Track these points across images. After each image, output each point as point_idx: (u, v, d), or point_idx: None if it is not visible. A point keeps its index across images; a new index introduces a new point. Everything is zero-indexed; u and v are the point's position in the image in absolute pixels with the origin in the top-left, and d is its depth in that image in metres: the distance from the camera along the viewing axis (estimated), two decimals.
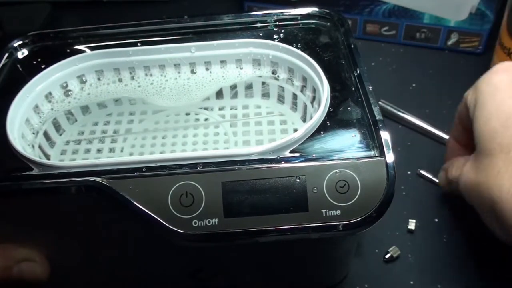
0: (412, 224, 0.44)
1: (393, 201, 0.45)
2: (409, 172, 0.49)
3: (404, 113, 0.54)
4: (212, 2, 0.73)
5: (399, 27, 0.62)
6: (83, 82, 0.41)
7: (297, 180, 0.30)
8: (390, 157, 0.31)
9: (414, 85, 0.59)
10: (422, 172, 0.49)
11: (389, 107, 0.55)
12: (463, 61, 0.61)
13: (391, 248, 0.43)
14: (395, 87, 0.58)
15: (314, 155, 0.31)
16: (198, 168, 0.31)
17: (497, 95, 0.35)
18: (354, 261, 0.42)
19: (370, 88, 0.35)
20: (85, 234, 0.35)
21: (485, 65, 0.55)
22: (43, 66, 0.39)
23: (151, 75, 0.41)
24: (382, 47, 0.64)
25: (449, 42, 0.62)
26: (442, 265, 0.42)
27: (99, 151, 0.39)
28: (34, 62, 0.40)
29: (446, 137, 0.50)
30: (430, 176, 0.48)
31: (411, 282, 0.41)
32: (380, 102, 0.55)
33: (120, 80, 0.41)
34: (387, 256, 0.43)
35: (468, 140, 0.41)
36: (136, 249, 0.36)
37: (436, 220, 0.45)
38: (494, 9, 0.57)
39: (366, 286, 0.41)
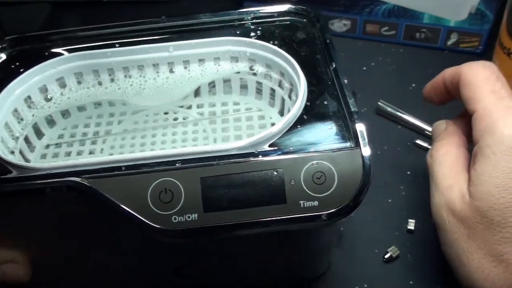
0: (411, 224, 0.44)
1: (393, 201, 0.46)
2: (408, 172, 0.49)
3: (404, 113, 0.54)
4: (212, 2, 0.72)
5: (399, 27, 0.62)
6: (62, 85, 0.41)
7: (275, 173, 0.31)
8: (365, 147, 0.31)
9: (414, 85, 0.58)
10: (419, 142, 0.51)
11: (389, 107, 0.55)
12: (463, 61, 0.58)
13: (390, 248, 0.43)
14: (395, 87, 0.58)
15: (291, 148, 0.32)
16: (177, 165, 0.31)
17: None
18: (354, 261, 0.43)
19: (346, 81, 0.35)
20: (67, 235, 0.35)
21: None
22: (21, 70, 0.39)
23: (130, 76, 0.42)
24: (382, 47, 0.64)
25: (449, 42, 0.61)
26: (442, 265, 0.41)
27: (79, 153, 0.40)
28: (13, 66, 0.40)
29: None
30: (426, 145, 0.50)
31: (411, 282, 0.41)
32: (380, 102, 0.55)
33: (99, 83, 0.42)
34: (386, 256, 0.43)
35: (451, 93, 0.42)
36: (118, 248, 0.36)
37: None
38: (494, 9, 0.57)
39: (365, 286, 0.41)
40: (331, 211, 0.30)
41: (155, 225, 0.30)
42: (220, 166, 0.31)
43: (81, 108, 0.42)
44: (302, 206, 0.30)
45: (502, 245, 0.33)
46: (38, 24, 0.68)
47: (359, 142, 0.32)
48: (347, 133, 0.33)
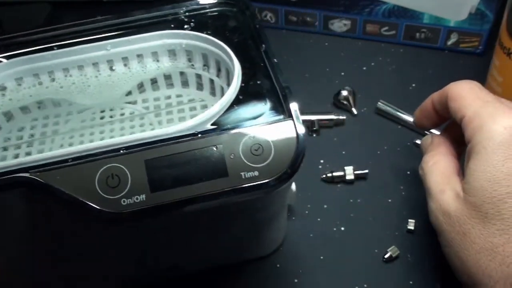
0: (411, 224, 0.45)
1: (393, 201, 0.47)
2: (408, 172, 0.50)
3: (404, 113, 0.54)
4: None
5: (399, 27, 0.62)
6: (2, 89, 0.42)
7: (215, 149, 0.32)
8: (297, 117, 0.34)
9: (414, 85, 0.59)
10: (419, 142, 0.50)
11: (389, 107, 0.55)
12: (463, 61, 0.61)
13: (390, 248, 0.44)
14: (395, 87, 0.59)
15: (228, 126, 0.34)
16: (121, 151, 0.33)
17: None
18: (354, 261, 0.44)
19: (276, 60, 0.38)
20: (25, 233, 0.36)
21: (485, 65, 0.55)
22: None
23: (70, 75, 0.43)
24: (382, 47, 0.64)
25: (449, 42, 0.61)
26: (441, 265, 0.42)
27: (28, 154, 0.40)
28: None
29: None
30: None
31: (411, 282, 0.42)
32: (380, 102, 0.56)
33: (40, 84, 0.43)
34: (386, 256, 0.43)
35: (440, 114, 0.43)
36: (75, 242, 0.37)
37: None
38: (494, 9, 0.57)
39: (365, 286, 0.42)
40: (271, 179, 0.32)
41: (106, 210, 0.31)
42: (162, 148, 0.33)
43: (25, 110, 0.43)
44: (243, 177, 0.32)
45: (496, 237, 0.33)
46: (38, 24, 0.68)
47: (291, 114, 0.34)
48: (280, 107, 0.35)
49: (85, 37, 0.42)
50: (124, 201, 0.32)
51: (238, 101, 0.36)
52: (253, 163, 0.32)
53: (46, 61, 0.42)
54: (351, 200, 0.48)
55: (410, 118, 0.54)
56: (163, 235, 0.38)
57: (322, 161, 0.52)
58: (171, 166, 0.32)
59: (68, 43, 0.42)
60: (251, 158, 0.32)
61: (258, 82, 0.37)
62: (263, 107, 0.35)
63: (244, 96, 0.36)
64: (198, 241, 0.40)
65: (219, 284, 0.43)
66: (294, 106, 0.34)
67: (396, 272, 0.43)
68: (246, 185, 0.32)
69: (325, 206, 0.48)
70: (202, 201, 0.32)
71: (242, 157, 0.32)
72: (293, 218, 0.47)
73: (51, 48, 0.42)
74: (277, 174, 0.32)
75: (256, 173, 0.32)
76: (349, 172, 0.49)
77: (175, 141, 0.33)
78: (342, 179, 0.50)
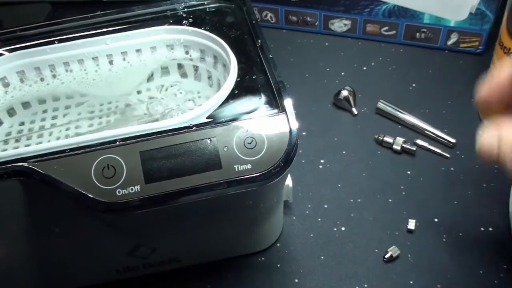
0: (412, 224, 0.45)
1: (393, 201, 0.48)
2: (409, 172, 0.50)
3: (404, 113, 0.55)
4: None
5: (399, 27, 0.62)
6: (6, 85, 0.43)
7: (209, 141, 0.33)
8: (290, 112, 0.34)
9: (414, 85, 0.59)
10: (419, 142, 0.52)
11: (389, 107, 0.55)
12: (463, 61, 0.61)
13: (390, 248, 0.44)
14: (395, 87, 0.59)
15: (223, 119, 0.34)
16: (117, 142, 0.33)
17: None
18: (354, 261, 0.44)
19: (271, 56, 0.38)
20: (22, 223, 0.36)
21: (485, 65, 0.55)
22: None
23: (71, 70, 0.43)
24: (382, 47, 0.64)
25: (449, 42, 0.62)
26: (442, 265, 0.42)
27: (27, 147, 0.41)
28: None
29: (446, 137, 0.52)
30: (426, 145, 0.52)
31: (411, 282, 0.42)
32: (380, 102, 0.56)
33: (42, 80, 0.43)
34: (386, 256, 0.43)
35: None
36: (72, 234, 0.38)
37: (436, 220, 0.46)
38: (494, 9, 0.57)
39: (365, 286, 0.42)
40: (264, 172, 0.33)
41: (101, 200, 0.32)
42: (157, 140, 0.33)
43: (25, 105, 0.44)
44: (236, 169, 0.33)
45: None
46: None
47: (284, 108, 0.34)
48: (274, 101, 0.35)
49: (85, 32, 0.43)
50: (119, 192, 0.32)
51: (233, 96, 0.36)
52: (246, 156, 0.33)
53: (46, 54, 0.42)
54: (351, 200, 0.48)
55: (410, 118, 0.54)
56: (157, 226, 0.39)
57: (322, 161, 0.52)
58: (165, 158, 0.33)
59: (69, 37, 0.43)
60: (244, 151, 0.33)
61: (254, 77, 0.38)
62: (258, 102, 0.36)
63: (240, 91, 0.37)
64: (193, 233, 0.40)
65: (219, 284, 0.43)
66: (288, 102, 0.35)
67: (396, 272, 0.43)
68: (239, 177, 0.33)
69: (325, 206, 0.48)
70: (196, 193, 0.33)
71: (236, 150, 0.33)
72: (293, 218, 0.47)
73: (52, 42, 0.43)
74: (270, 168, 0.33)
75: (249, 166, 0.33)
76: (398, 143, 0.51)
77: (170, 133, 0.33)
78: (390, 146, 0.52)
